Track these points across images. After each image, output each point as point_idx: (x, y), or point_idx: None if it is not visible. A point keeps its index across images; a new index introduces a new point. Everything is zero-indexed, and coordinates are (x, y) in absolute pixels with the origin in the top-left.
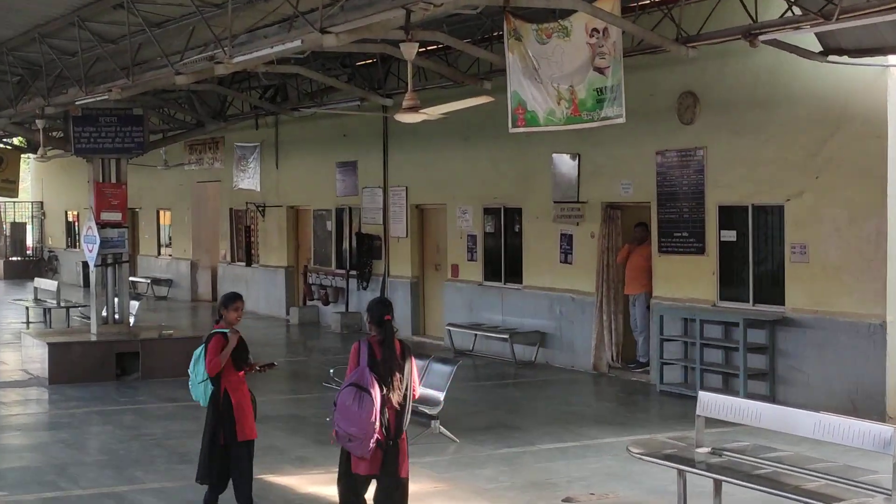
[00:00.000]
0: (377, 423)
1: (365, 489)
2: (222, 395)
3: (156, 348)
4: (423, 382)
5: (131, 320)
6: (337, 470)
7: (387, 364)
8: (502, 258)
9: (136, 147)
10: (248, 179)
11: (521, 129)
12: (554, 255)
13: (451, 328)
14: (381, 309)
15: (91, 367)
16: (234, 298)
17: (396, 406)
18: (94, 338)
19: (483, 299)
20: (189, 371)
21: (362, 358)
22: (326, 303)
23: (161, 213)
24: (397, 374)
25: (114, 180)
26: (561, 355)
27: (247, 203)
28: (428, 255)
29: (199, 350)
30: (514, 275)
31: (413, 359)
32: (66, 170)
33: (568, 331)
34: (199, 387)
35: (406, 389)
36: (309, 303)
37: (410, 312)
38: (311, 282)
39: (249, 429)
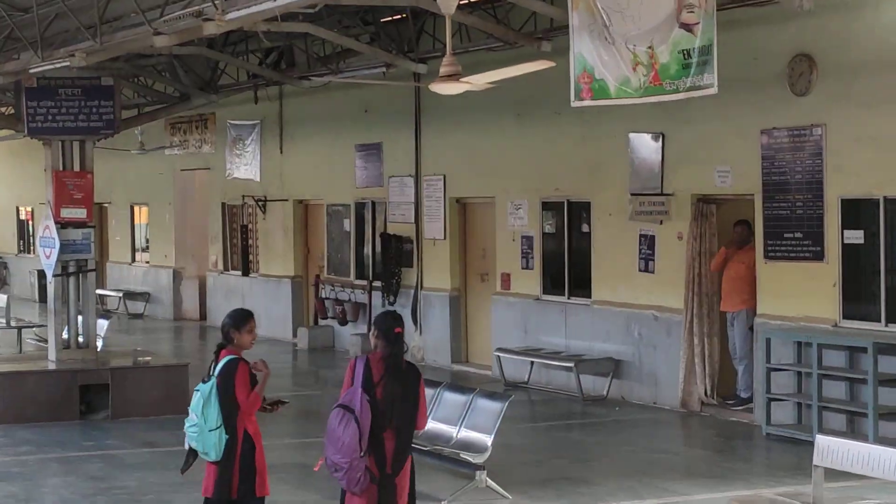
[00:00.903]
0: (363, 452)
1: None
2: (241, 441)
3: (130, 380)
4: (465, 423)
5: (99, 344)
6: None
7: (388, 386)
8: (566, 266)
9: (104, 126)
10: (246, 167)
11: (588, 103)
12: (631, 261)
13: (500, 354)
14: (391, 321)
15: (49, 402)
16: (248, 317)
17: (395, 436)
18: (52, 366)
19: (541, 318)
20: (192, 414)
21: (357, 377)
22: (344, 322)
23: (136, 209)
24: (398, 397)
25: (77, 168)
26: (640, 389)
27: (243, 197)
28: (472, 261)
29: (209, 386)
30: (581, 287)
31: (423, 382)
32: (17, 155)
33: (649, 358)
34: (211, 435)
35: (410, 417)
36: (322, 322)
37: (450, 334)
38: (324, 296)
39: (266, 481)
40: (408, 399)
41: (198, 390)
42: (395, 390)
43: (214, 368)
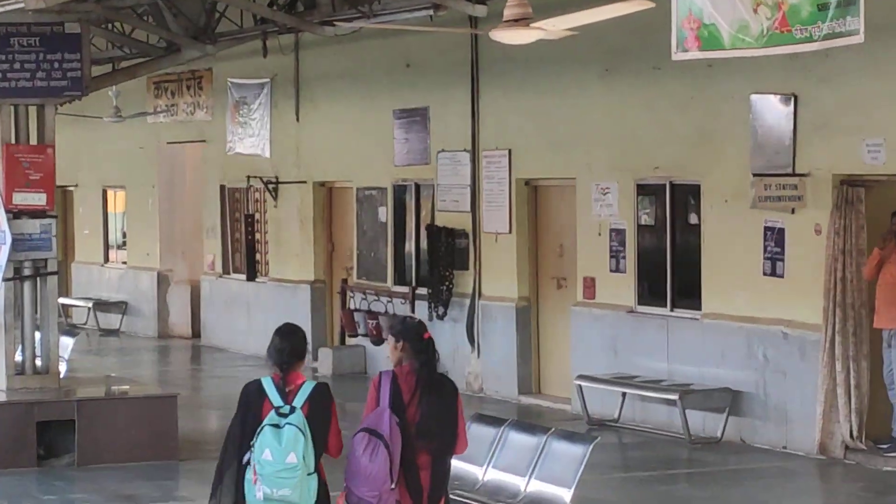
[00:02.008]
0: (394, 484)
1: None
2: (319, 488)
3: (101, 415)
4: (537, 472)
5: (62, 369)
6: None
7: (422, 404)
8: (668, 268)
9: (70, 87)
10: (252, 139)
11: (694, 55)
12: (753, 262)
13: (582, 383)
14: (417, 326)
15: None
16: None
17: (432, 462)
18: (1, 397)
19: (636, 336)
20: (289, 455)
21: (383, 395)
22: (378, 341)
23: (110, 194)
24: (433, 416)
25: (34, 141)
26: (765, 428)
27: (249, 178)
28: (545, 262)
29: (300, 419)
30: (688, 295)
31: (460, 398)
32: None
33: (777, 388)
34: (310, 482)
35: (448, 441)
36: (350, 340)
37: (516, 357)
38: (353, 307)
39: None
40: (444, 419)
41: (289, 424)
42: (431, 409)
43: (288, 397)
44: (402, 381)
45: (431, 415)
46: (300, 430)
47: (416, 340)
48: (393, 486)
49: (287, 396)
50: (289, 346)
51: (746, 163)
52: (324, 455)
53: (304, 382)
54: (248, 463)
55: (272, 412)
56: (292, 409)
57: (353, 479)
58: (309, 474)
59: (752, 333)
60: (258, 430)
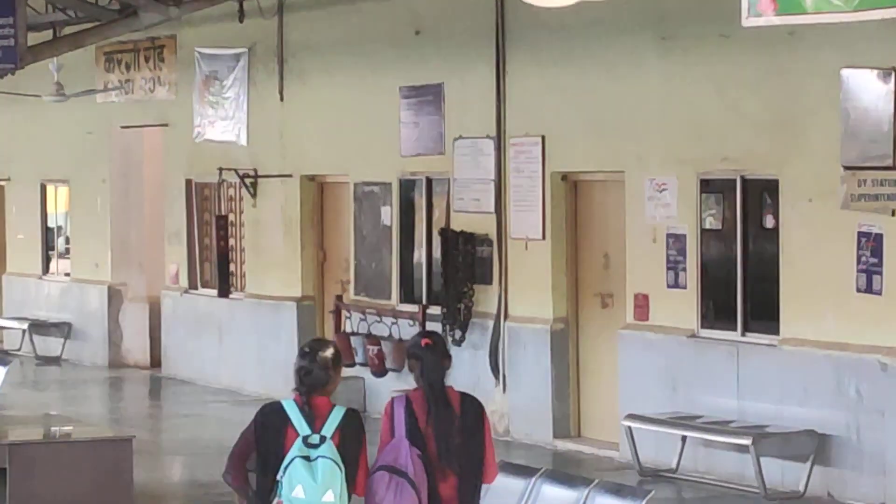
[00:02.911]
0: None
1: None
2: None
3: (40, 462)
4: None
5: None
6: None
7: (439, 427)
8: (738, 282)
9: (1, 58)
10: (225, 123)
11: (769, 21)
12: (844, 275)
13: (632, 425)
14: (417, 336)
15: None
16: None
17: (458, 495)
18: None
19: (699, 367)
20: (326, 492)
21: (398, 424)
22: (381, 371)
23: (50, 189)
24: (456, 444)
25: None
26: (859, 480)
27: (221, 171)
28: (587, 275)
29: (331, 451)
30: (763, 317)
31: (486, 418)
32: None
33: (873, 431)
34: None
35: (475, 468)
36: (346, 371)
37: (551, 392)
38: (349, 329)
39: None
40: (468, 442)
41: (322, 457)
42: (449, 431)
43: (316, 424)
44: (416, 404)
45: (447, 434)
46: (336, 463)
47: (415, 349)
48: None
49: (314, 423)
50: (314, 368)
51: (836, 153)
52: None
53: (332, 408)
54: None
55: (298, 442)
56: (322, 439)
57: None
58: None
59: (843, 364)
60: (286, 464)
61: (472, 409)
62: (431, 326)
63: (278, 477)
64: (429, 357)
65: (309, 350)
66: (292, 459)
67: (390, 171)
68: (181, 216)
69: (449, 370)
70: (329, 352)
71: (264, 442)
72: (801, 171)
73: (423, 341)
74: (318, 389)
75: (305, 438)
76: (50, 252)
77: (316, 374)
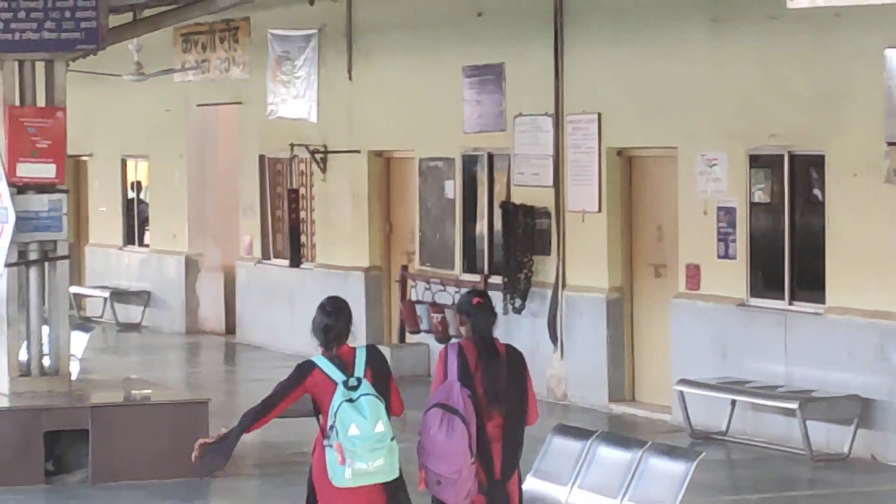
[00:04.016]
0: (473, 457)
1: None
2: None
3: (120, 424)
4: (630, 493)
5: (74, 369)
6: None
7: (486, 373)
8: (786, 253)
9: (83, 39)
10: (296, 101)
11: (813, 2)
12: (888, 246)
13: (684, 389)
14: (468, 295)
15: (1, 456)
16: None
17: (504, 434)
18: (3, 402)
19: (748, 334)
20: (377, 425)
21: (451, 368)
22: (445, 338)
23: (130, 164)
24: (502, 388)
25: (42, 103)
26: None
27: (293, 146)
28: (641, 247)
29: (369, 387)
30: (810, 286)
31: (527, 368)
32: None
33: None
34: (394, 446)
35: (519, 410)
36: (411, 337)
37: (607, 358)
38: (415, 298)
39: None
40: (513, 387)
41: (363, 395)
42: (496, 377)
43: (347, 369)
44: (468, 352)
45: (494, 379)
46: (376, 397)
47: (466, 306)
48: (472, 460)
49: (346, 370)
50: (337, 324)
51: (880, 130)
52: None
53: (355, 351)
54: (327, 445)
55: (339, 388)
56: (359, 381)
57: (430, 457)
58: (392, 439)
59: (885, 331)
60: (335, 410)
61: (516, 359)
62: (493, 295)
63: (329, 423)
64: (480, 313)
65: (331, 309)
66: (339, 405)
67: (454, 146)
68: (254, 190)
69: (495, 325)
70: (347, 308)
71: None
72: (846, 147)
73: (475, 300)
74: (341, 341)
75: (345, 383)
76: (130, 224)
77: (339, 328)
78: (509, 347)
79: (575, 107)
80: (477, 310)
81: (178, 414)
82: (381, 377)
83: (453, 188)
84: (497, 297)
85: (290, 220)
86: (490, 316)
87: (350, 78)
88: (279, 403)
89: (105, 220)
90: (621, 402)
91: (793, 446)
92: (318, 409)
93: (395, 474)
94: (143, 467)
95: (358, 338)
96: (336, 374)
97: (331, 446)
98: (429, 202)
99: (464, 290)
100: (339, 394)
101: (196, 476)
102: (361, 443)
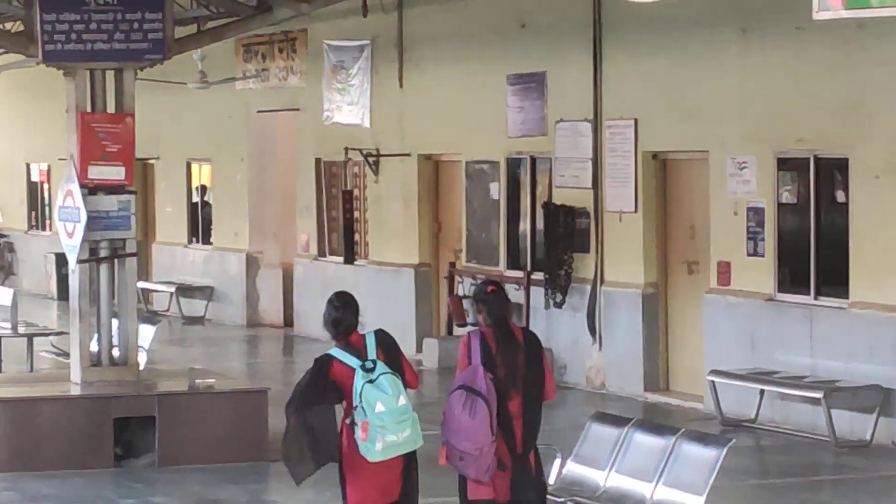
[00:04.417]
0: (493, 436)
1: None
2: None
3: (185, 411)
4: (664, 478)
5: (142, 360)
6: None
7: (506, 356)
8: (812, 251)
9: (150, 49)
10: (350, 108)
11: (838, 14)
12: None
13: (716, 379)
14: (483, 284)
15: (71, 442)
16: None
17: (523, 412)
18: (76, 390)
19: (776, 327)
20: (400, 400)
21: (474, 353)
22: None
23: (194, 167)
24: (520, 369)
25: (112, 109)
26: None
27: (347, 150)
28: (675, 245)
29: (384, 367)
30: (834, 282)
31: (544, 351)
32: (28, 90)
33: None
34: (415, 416)
35: (537, 389)
36: (458, 330)
37: (642, 350)
38: (461, 293)
39: None
40: (530, 368)
41: (382, 374)
42: (514, 359)
43: (361, 353)
44: (489, 338)
45: (513, 361)
46: (392, 374)
47: (482, 295)
48: (493, 439)
49: (360, 355)
50: (346, 318)
51: None
52: None
53: (364, 337)
54: (352, 424)
55: (358, 372)
56: (374, 362)
57: (453, 434)
58: (413, 412)
59: None
60: (358, 392)
61: (533, 341)
62: (535, 291)
63: (354, 405)
64: (494, 300)
65: (339, 303)
66: (362, 386)
67: (498, 150)
68: (311, 191)
69: (511, 311)
70: (353, 301)
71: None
72: (869, 151)
73: (489, 288)
74: (351, 330)
75: (362, 367)
76: (195, 223)
77: (348, 320)
78: (526, 331)
79: (613, 113)
80: (491, 297)
81: (239, 402)
82: (393, 356)
83: (498, 189)
84: (539, 293)
85: (345, 219)
86: (503, 302)
87: (401, 86)
88: (315, 400)
89: (171, 219)
90: (656, 392)
91: (818, 433)
92: (342, 396)
93: (421, 442)
94: (206, 452)
95: (408, 330)
96: (352, 361)
97: (357, 425)
98: (475, 203)
99: (508, 286)
100: (359, 377)
101: (296, 483)
102: (389, 417)
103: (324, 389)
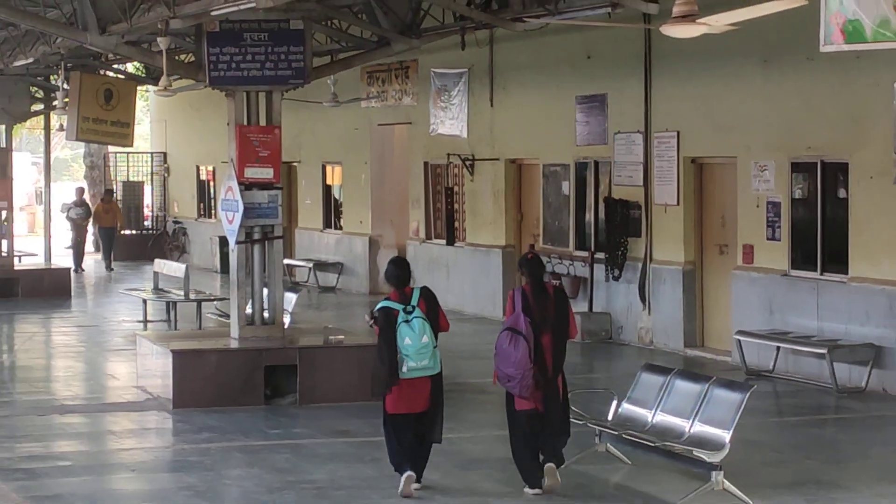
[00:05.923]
0: (531, 364)
1: (530, 425)
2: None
3: (319, 361)
4: (699, 416)
5: (287, 320)
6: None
7: (538, 306)
8: (818, 236)
9: (294, 76)
10: (451, 121)
11: (839, 47)
12: None
13: (741, 338)
14: (525, 254)
15: (231, 385)
16: None
17: (552, 346)
18: (234, 344)
19: (789, 297)
20: (422, 337)
21: (517, 304)
22: None
23: (328, 168)
24: (550, 315)
25: (263, 122)
26: None
27: (448, 155)
28: (709, 231)
29: (419, 313)
30: (836, 261)
31: (569, 301)
32: (197, 108)
33: None
34: (436, 352)
35: (563, 329)
36: None
37: (683, 314)
38: None
39: None
40: (558, 315)
41: (415, 318)
42: (546, 308)
43: (407, 300)
44: (528, 293)
45: (545, 310)
46: (423, 319)
47: (523, 261)
48: (531, 366)
49: (406, 301)
50: (404, 274)
51: (890, 144)
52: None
53: (413, 289)
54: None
55: (401, 315)
56: (413, 308)
57: (502, 362)
58: (434, 347)
59: (895, 295)
60: (397, 328)
61: (560, 295)
62: (597, 267)
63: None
64: (531, 264)
65: (399, 263)
66: (399, 324)
67: (568, 156)
68: (420, 187)
69: (545, 273)
70: (407, 264)
71: (389, 326)
72: (865, 157)
73: (528, 255)
74: (405, 283)
75: (404, 310)
76: (330, 212)
77: (405, 276)
78: (556, 288)
79: (660, 126)
80: (530, 262)
81: (363, 354)
82: (431, 306)
83: (568, 187)
84: (600, 269)
85: (447, 210)
86: (539, 266)
87: (491, 105)
88: (395, 340)
89: (310, 209)
90: (694, 348)
91: (823, 382)
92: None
93: (438, 369)
94: (336, 393)
95: (497, 297)
96: (398, 306)
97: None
98: (550, 197)
99: (576, 263)
100: (401, 317)
101: (374, 397)
102: (412, 349)
103: (393, 326)
